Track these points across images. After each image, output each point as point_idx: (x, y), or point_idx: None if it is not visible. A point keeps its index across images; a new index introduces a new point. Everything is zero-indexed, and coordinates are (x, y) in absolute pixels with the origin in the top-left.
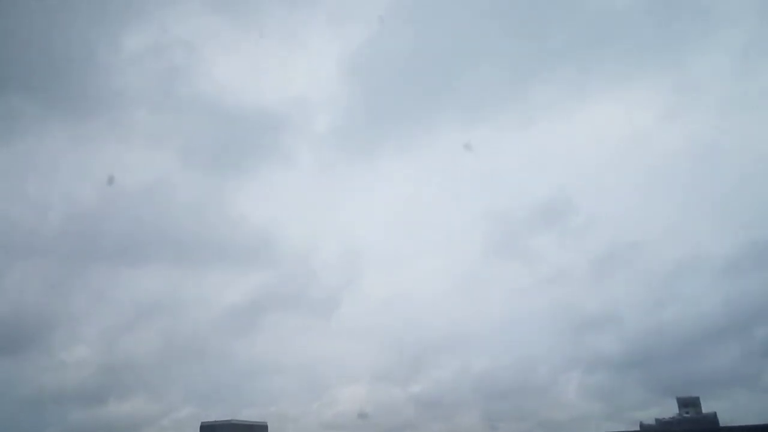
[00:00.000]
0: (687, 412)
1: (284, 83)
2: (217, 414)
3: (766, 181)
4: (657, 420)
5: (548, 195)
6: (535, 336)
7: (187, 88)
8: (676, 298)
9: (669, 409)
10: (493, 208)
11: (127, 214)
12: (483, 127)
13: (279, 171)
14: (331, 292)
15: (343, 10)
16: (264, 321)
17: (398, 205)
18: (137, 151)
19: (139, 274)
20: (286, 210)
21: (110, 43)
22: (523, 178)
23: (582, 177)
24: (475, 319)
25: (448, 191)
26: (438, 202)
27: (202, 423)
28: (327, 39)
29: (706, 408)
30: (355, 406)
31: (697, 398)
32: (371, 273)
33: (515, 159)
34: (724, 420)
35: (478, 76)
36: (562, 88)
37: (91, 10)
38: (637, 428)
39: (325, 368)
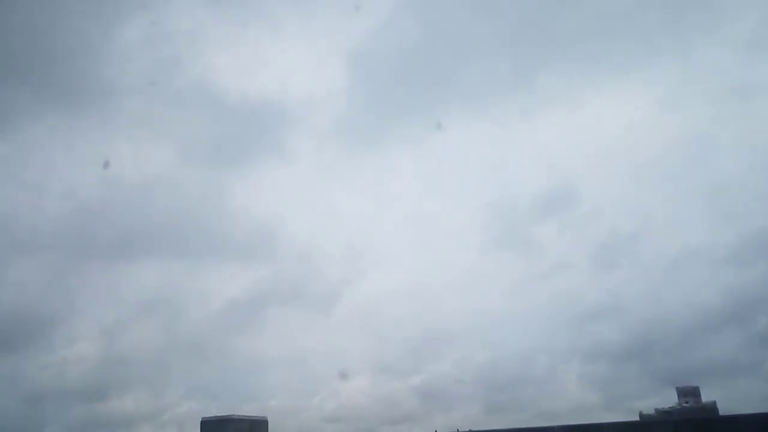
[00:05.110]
0: (686, 402)
1: (286, 76)
2: (217, 409)
3: (767, 171)
4: (656, 409)
5: (551, 186)
6: (536, 327)
7: (187, 80)
8: (677, 287)
9: (668, 399)
10: (495, 200)
11: (126, 209)
12: (486, 118)
13: (280, 165)
14: (332, 286)
15: (346, 3)
16: (264, 316)
17: (399, 198)
18: (136, 143)
19: (138, 269)
20: (287, 204)
21: (108, 34)
22: (526, 169)
23: (585, 168)
24: (477, 311)
25: (450, 183)
26: (440, 195)
27: (202, 418)
28: (329, 32)
29: (706, 397)
30: (356, 400)
31: (697, 388)
32: (372, 267)
33: (518, 150)
34: (723, 409)
35: (482, 68)
36: (566, 80)
37: (89, 0)
38: (637, 418)
39: (325, 362)
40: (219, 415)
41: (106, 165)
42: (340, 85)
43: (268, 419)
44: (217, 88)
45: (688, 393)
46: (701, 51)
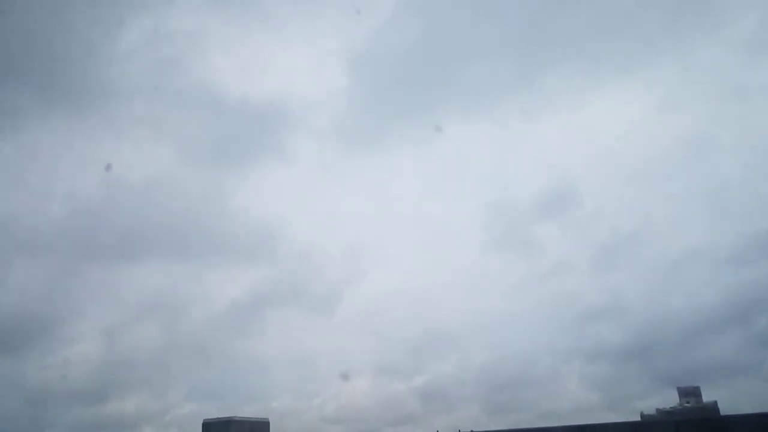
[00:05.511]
0: (688, 402)
1: (287, 77)
2: (219, 410)
3: (767, 171)
4: (658, 410)
5: (551, 186)
6: (537, 327)
7: (188, 80)
8: (677, 288)
9: (670, 399)
10: (495, 200)
11: (127, 209)
12: (486, 119)
13: (281, 165)
14: (333, 286)
15: (346, 4)
16: (265, 316)
17: (400, 198)
18: (137, 144)
19: (139, 270)
20: (287, 205)
21: (109, 35)
22: (527, 169)
23: (585, 168)
24: (477, 312)
25: (451, 183)
26: (440, 195)
27: (204, 420)
28: (330, 33)
29: (707, 397)
30: (357, 401)
31: (698, 388)
32: (373, 267)
33: (519, 150)
34: (724, 409)
35: (482, 69)
36: (567, 80)
37: (90, 2)
38: (638, 418)
39: (327, 363)
40: (220, 416)
41: (108, 168)
42: (340, 86)
43: (270, 420)
44: (218, 89)
45: (689, 393)
46: (701, 51)
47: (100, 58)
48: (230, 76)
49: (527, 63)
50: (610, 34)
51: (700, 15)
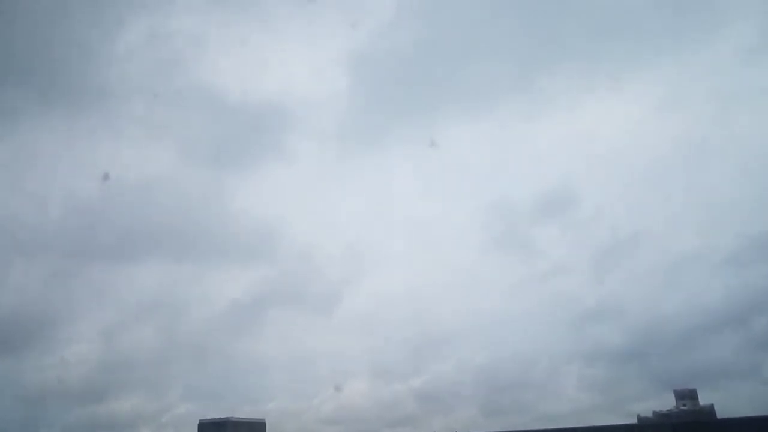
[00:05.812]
0: (684, 405)
1: (287, 78)
2: (216, 411)
3: (766, 174)
4: (654, 412)
5: (551, 187)
6: (535, 329)
7: (187, 81)
8: (676, 290)
9: (666, 402)
10: (495, 201)
11: (127, 210)
12: (486, 120)
13: (281, 166)
14: (332, 287)
15: (346, 5)
16: (264, 317)
17: (399, 199)
18: (136, 145)
19: (138, 270)
20: (287, 205)
21: (108, 36)
22: (527, 170)
23: (585, 169)
24: (476, 313)
25: (450, 184)
26: (440, 195)
27: (200, 421)
28: (331, 33)
29: (704, 400)
30: (355, 402)
31: (695, 390)
32: (372, 267)
33: (519, 151)
34: (721, 412)
35: (482, 70)
36: (566, 81)
37: (90, 2)
38: (635, 421)
39: (325, 364)
40: (217, 417)
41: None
42: (340, 87)
43: (267, 421)
44: (218, 90)
45: (686, 396)
46: (701, 52)
47: (100, 58)
48: (230, 77)
49: (527, 64)
50: (610, 34)
51: (700, 16)
